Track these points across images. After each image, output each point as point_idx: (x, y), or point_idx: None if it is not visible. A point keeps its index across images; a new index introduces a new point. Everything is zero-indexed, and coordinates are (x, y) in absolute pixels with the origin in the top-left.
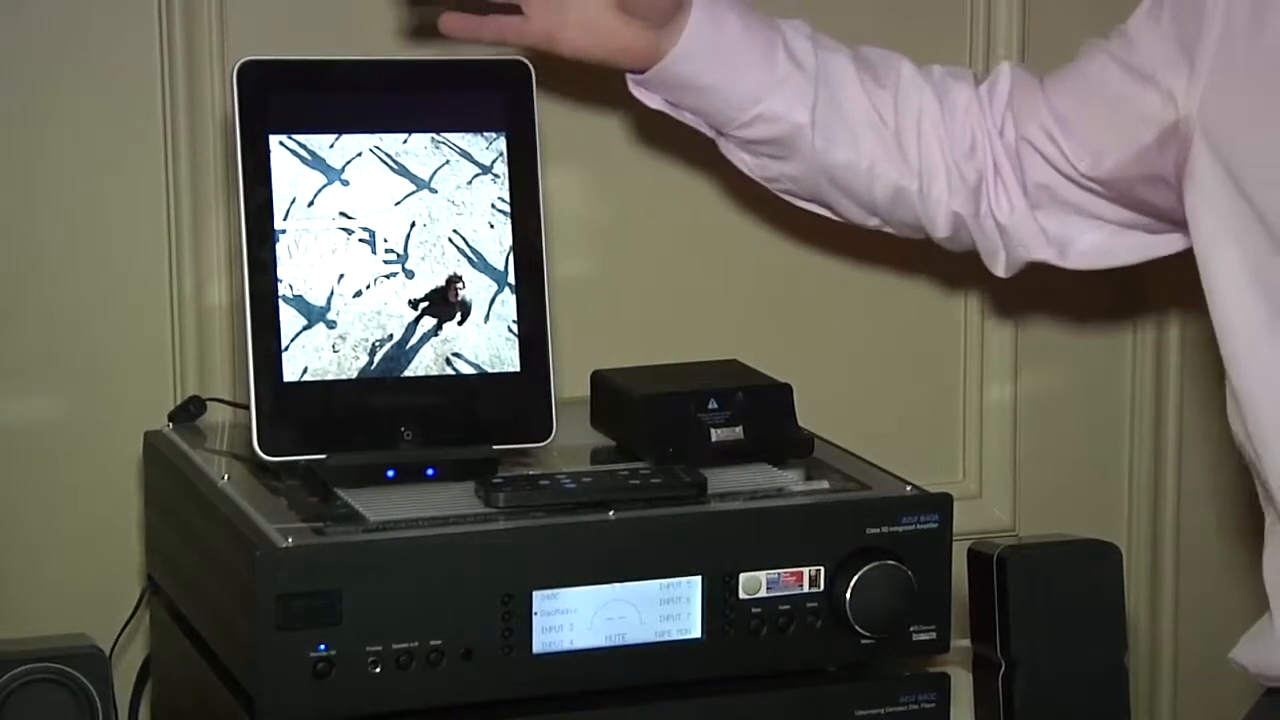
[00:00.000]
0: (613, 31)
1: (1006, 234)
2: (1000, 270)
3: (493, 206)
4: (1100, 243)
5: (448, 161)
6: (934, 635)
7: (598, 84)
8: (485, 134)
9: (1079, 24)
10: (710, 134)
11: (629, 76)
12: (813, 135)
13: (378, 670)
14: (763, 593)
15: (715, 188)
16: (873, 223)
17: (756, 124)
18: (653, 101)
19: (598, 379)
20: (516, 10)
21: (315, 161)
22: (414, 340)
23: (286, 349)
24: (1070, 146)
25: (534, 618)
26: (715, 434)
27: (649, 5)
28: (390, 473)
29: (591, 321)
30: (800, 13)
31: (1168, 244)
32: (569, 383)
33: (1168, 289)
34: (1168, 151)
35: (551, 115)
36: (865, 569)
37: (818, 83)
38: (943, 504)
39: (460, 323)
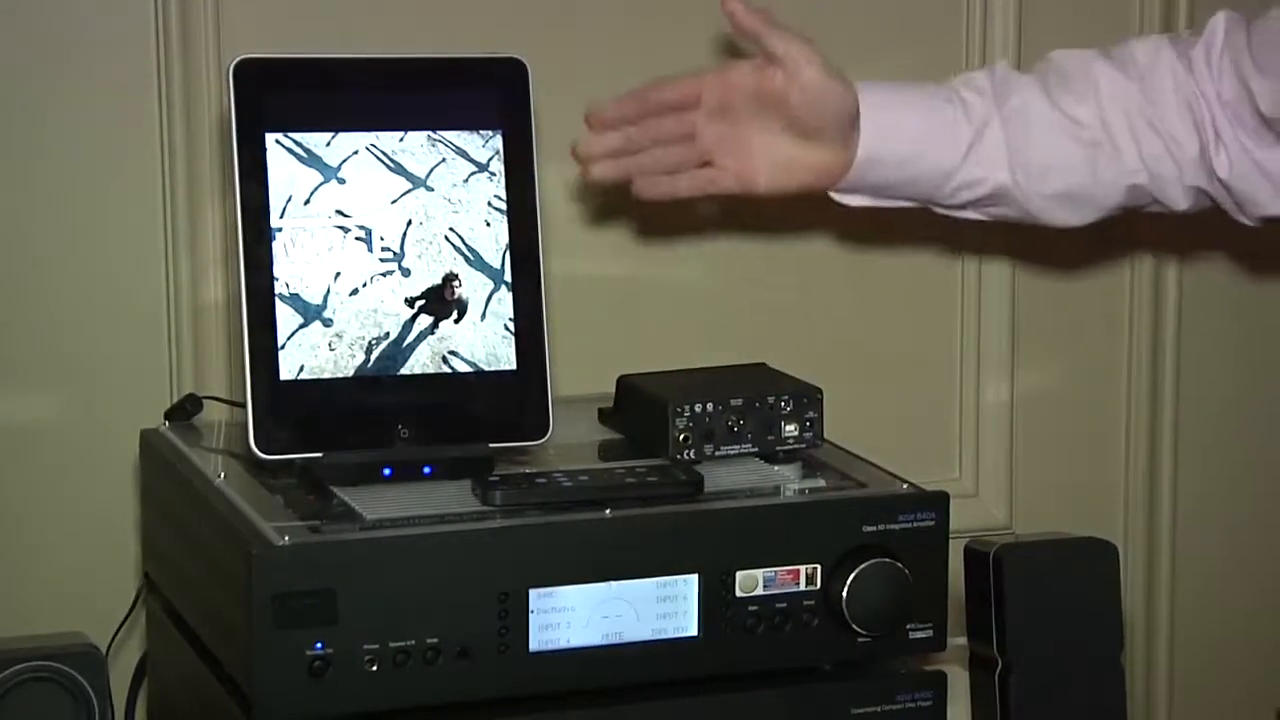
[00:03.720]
0: (799, 160)
1: (1233, 190)
2: (1247, 222)
3: (489, 204)
4: None
5: (444, 159)
6: (930, 633)
7: (598, 82)
8: (481, 132)
9: (1074, 25)
10: (920, 208)
11: (833, 195)
12: (1019, 182)
13: (374, 669)
14: (759, 591)
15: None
16: (1100, 218)
17: (960, 193)
18: (858, 203)
19: (623, 384)
20: (707, 164)
21: (311, 159)
22: (410, 338)
23: (283, 347)
24: (1260, 86)
25: (531, 616)
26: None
27: (820, 126)
28: (386, 471)
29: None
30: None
31: None
32: (578, 381)
33: (1166, 285)
34: None
35: (551, 114)
36: (862, 567)
37: (1007, 135)
38: (939, 502)
39: (457, 321)
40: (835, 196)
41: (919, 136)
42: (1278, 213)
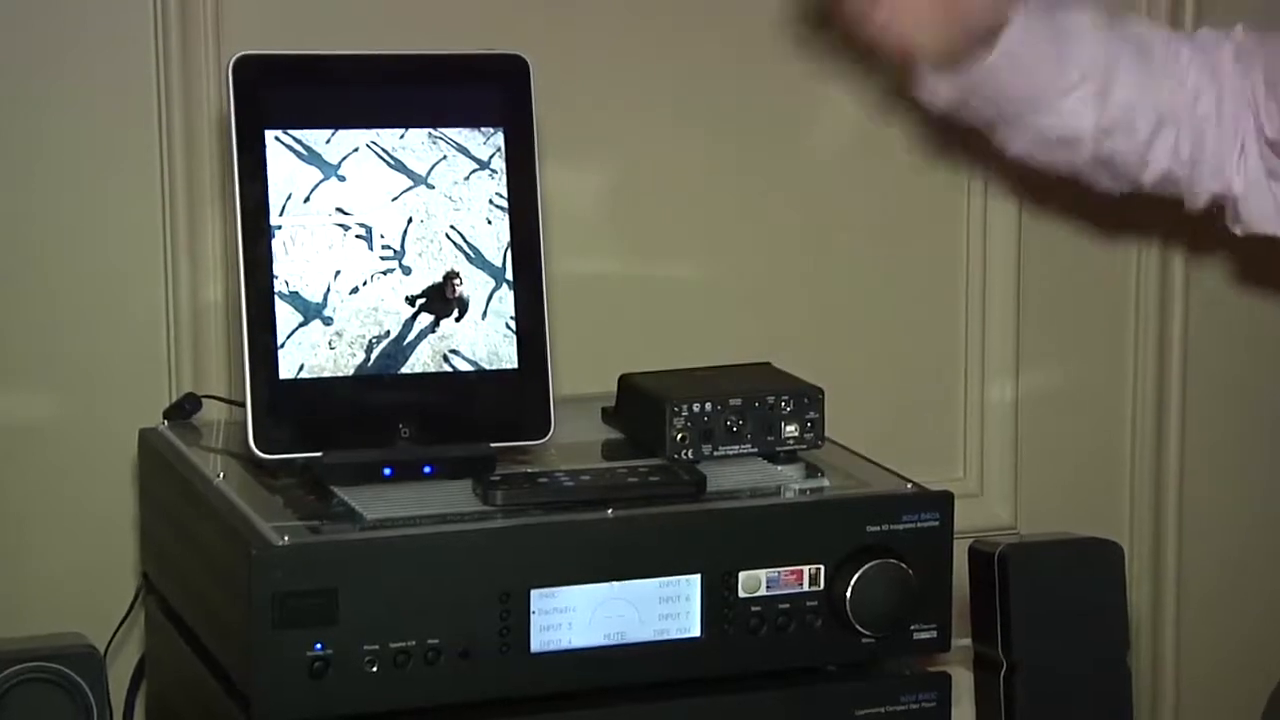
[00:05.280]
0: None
1: (1240, 201)
2: (1238, 230)
3: (490, 202)
4: None
5: (445, 157)
6: (935, 634)
7: (598, 77)
8: (483, 129)
9: None
10: (983, 128)
11: (924, 72)
12: (1093, 137)
13: (374, 669)
14: (762, 591)
15: (718, 190)
16: (1124, 190)
17: (1044, 120)
18: (944, 93)
19: (624, 383)
20: None
21: (311, 157)
22: (411, 337)
23: (283, 346)
24: (1265, 108)
25: (532, 616)
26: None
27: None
28: (387, 471)
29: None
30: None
31: None
32: (581, 380)
33: (1172, 283)
34: None
35: (553, 110)
36: (865, 567)
37: (1107, 84)
38: (943, 502)
39: (458, 319)
40: (925, 81)
41: (1043, 60)
42: (1271, 231)
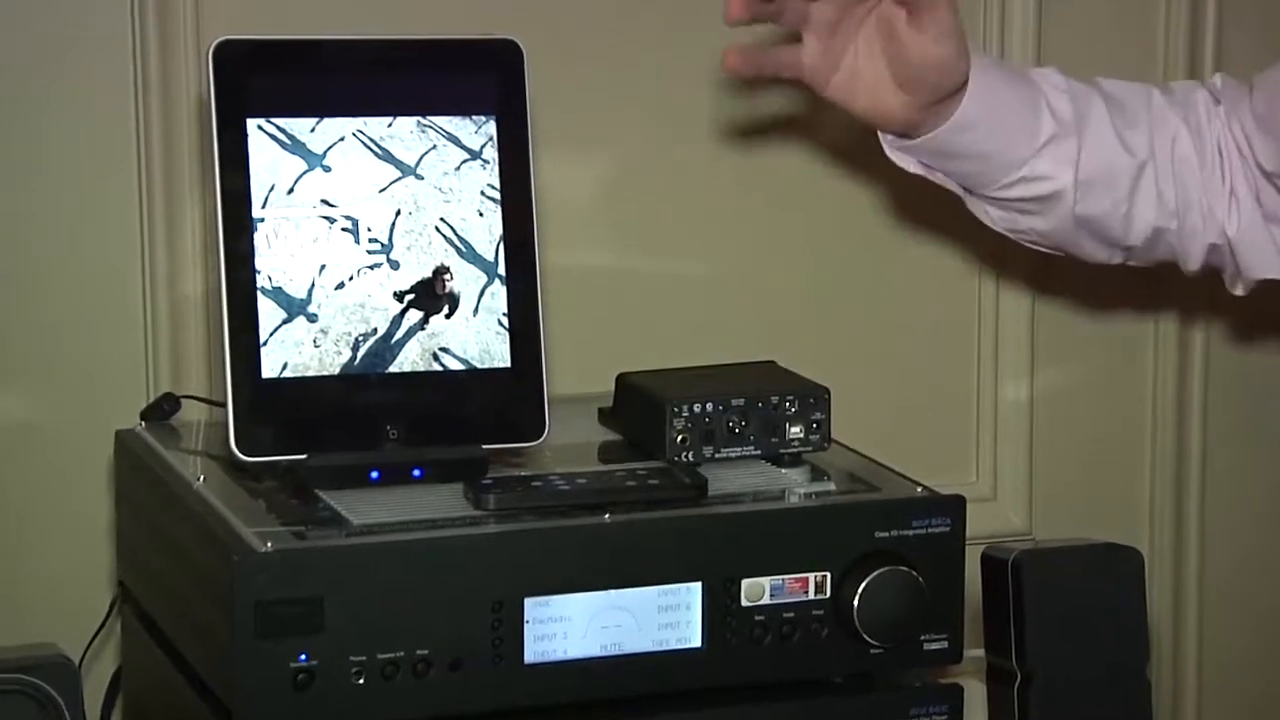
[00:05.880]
0: (884, 98)
1: (1237, 250)
2: (1238, 290)
3: (482, 194)
4: None
5: (435, 146)
6: (946, 644)
7: (595, 63)
8: (474, 117)
9: (1094, 36)
10: (959, 193)
11: (886, 139)
12: (1075, 193)
13: (361, 681)
14: (766, 599)
15: (720, 181)
16: (1116, 260)
17: (1018, 186)
18: (909, 165)
19: (623, 382)
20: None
21: (295, 146)
22: (399, 334)
23: (265, 344)
24: (1260, 143)
25: (526, 626)
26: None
27: (932, 89)
28: (374, 474)
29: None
30: None
31: None
32: (576, 379)
33: (1190, 280)
34: None
35: (547, 98)
36: (873, 575)
37: (1080, 138)
38: (955, 506)
39: (448, 316)
40: (889, 148)
41: (1010, 117)
42: (1273, 276)
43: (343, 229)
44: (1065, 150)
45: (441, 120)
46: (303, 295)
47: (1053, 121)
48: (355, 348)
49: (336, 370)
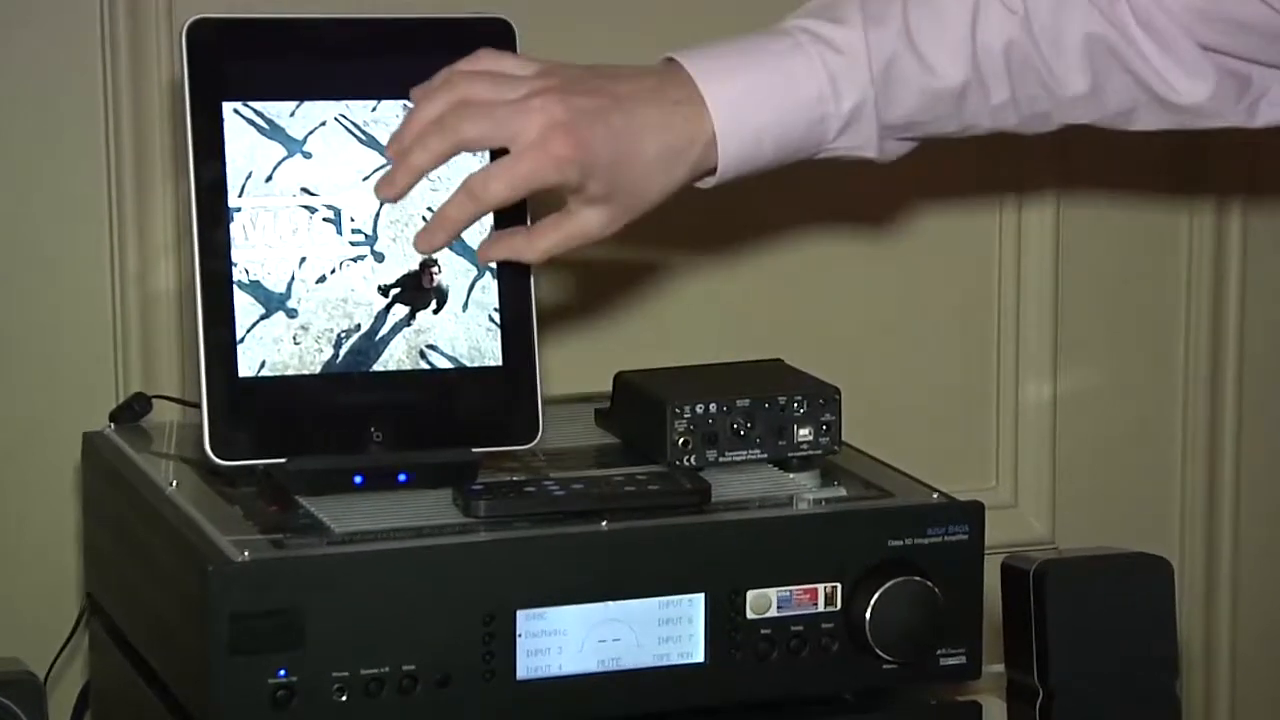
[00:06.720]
0: (644, 201)
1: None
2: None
3: None
4: None
5: None
6: (963, 660)
7: (590, 44)
8: None
9: None
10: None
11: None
12: (884, 150)
13: (344, 698)
14: (772, 612)
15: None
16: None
17: (834, 153)
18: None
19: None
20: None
21: (274, 132)
22: (384, 331)
23: (242, 341)
24: None
25: (518, 640)
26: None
27: (652, 203)
28: (358, 479)
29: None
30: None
31: None
32: (572, 379)
33: (1227, 271)
34: None
35: None
36: (887, 586)
37: (878, 108)
38: (973, 513)
39: (436, 311)
40: (703, 185)
41: (783, 135)
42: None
43: (324, 219)
44: (866, 127)
45: None
46: (282, 289)
47: (834, 104)
48: (337, 345)
49: (317, 369)
